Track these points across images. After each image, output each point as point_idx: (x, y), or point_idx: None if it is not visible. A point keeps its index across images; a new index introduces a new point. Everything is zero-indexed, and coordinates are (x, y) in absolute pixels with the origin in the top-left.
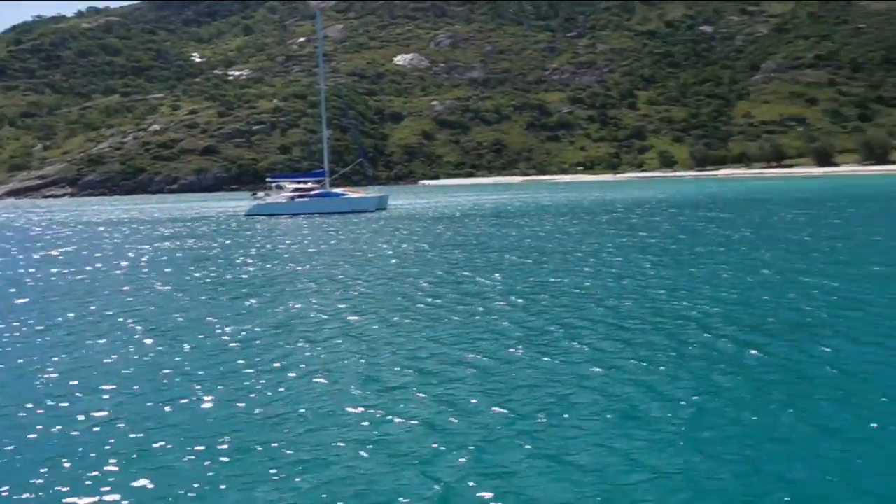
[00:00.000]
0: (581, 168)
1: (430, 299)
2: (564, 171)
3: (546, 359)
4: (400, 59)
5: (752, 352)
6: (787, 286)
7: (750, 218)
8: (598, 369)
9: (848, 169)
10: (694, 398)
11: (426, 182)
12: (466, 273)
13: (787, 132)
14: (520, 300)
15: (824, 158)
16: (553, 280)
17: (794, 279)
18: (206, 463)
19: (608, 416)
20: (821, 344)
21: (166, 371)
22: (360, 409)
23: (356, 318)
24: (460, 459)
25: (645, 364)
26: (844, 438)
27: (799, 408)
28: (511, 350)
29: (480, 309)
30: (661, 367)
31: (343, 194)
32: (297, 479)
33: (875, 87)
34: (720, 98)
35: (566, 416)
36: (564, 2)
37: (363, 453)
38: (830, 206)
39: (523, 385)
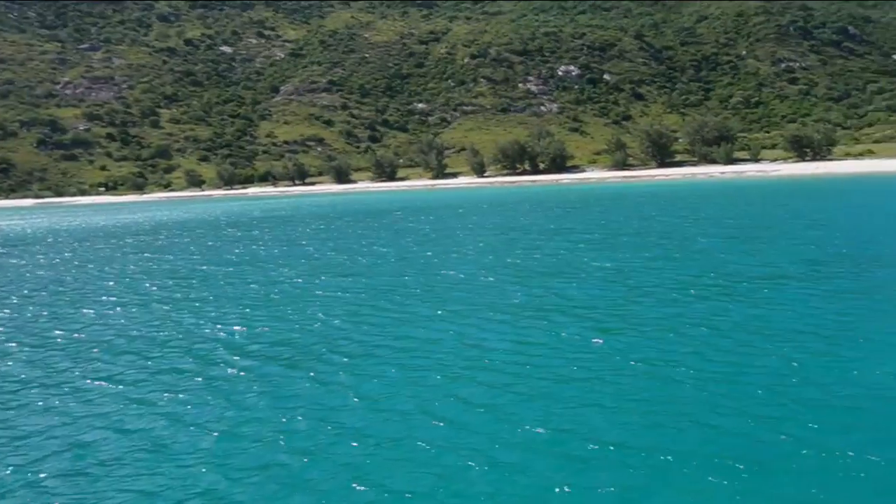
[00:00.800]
0: (103, 189)
1: None
2: (85, 193)
3: (60, 400)
4: None
5: (275, 368)
6: (308, 301)
7: (276, 234)
8: (118, 405)
9: (362, 186)
10: (219, 422)
11: None
12: None
13: (308, 151)
14: (29, 338)
15: (343, 176)
16: (70, 312)
17: (313, 293)
18: None
19: (133, 454)
20: (335, 352)
21: None
22: None
23: None
24: None
25: (170, 393)
26: (360, 440)
27: (316, 416)
28: (16, 395)
29: None
30: (186, 395)
31: None
32: None
33: (381, 112)
34: (244, 118)
35: (84, 460)
36: (73, 11)
37: None
38: (347, 220)
39: (31, 432)
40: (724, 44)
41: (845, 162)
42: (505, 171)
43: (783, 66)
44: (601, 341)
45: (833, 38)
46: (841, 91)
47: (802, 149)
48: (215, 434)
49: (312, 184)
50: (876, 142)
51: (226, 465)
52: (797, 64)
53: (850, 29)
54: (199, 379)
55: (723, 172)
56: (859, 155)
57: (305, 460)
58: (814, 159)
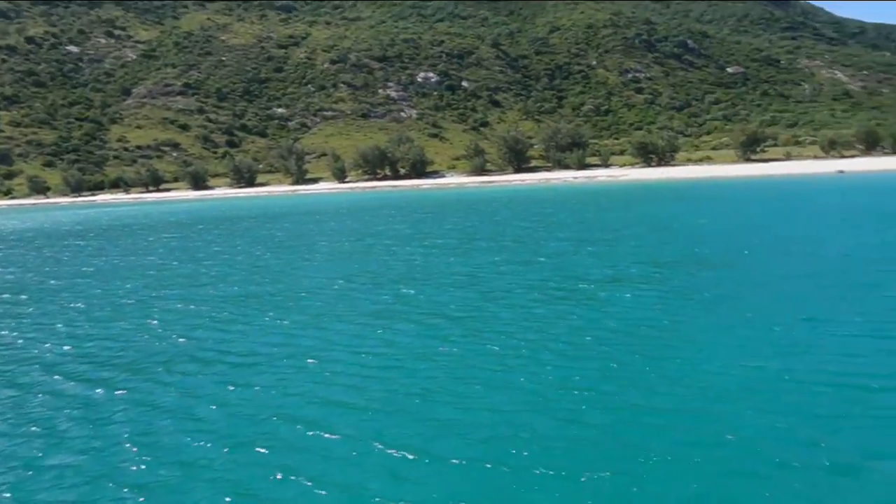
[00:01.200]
0: None
1: None
2: None
3: None
4: None
5: (99, 390)
6: (147, 315)
7: (122, 244)
8: None
9: (220, 192)
10: (26, 450)
11: None
12: None
13: (163, 157)
14: None
15: (199, 182)
16: None
17: (154, 306)
18: None
19: None
20: (169, 371)
21: None
22: None
23: None
24: None
25: None
26: (179, 463)
27: (137, 441)
28: None
29: None
30: None
31: None
32: None
33: (240, 116)
34: (93, 122)
35: None
36: None
37: None
38: (200, 228)
39: None
40: (575, 54)
41: (686, 167)
42: (366, 177)
43: (630, 76)
44: (444, 349)
45: (674, 51)
46: (682, 101)
47: (648, 155)
48: (18, 465)
49: (168, 190)
50: (713, 148)
51: (31, 501)
52: (643, 74)
53: (689, 43)
54: (8, 404)
55: (575, 177)
56: (699, 161)
57: (114, 488)
58: (658, 165)
